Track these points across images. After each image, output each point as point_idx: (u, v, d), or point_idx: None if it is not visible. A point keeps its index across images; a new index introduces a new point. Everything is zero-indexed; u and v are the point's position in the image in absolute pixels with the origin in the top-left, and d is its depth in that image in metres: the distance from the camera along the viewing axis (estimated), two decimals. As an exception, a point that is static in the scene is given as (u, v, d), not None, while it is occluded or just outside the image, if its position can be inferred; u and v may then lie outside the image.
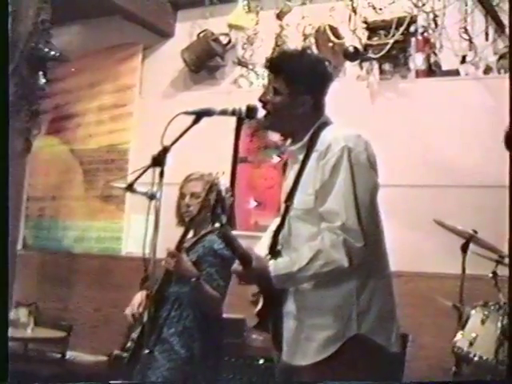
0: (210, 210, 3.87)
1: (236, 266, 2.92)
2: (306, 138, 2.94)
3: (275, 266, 2.81)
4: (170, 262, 3.79)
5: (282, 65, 3.02)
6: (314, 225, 2.83)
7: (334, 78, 3.12)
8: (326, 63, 3.13)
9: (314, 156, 2.88)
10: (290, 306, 2.93)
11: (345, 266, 2.71)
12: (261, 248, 3.06)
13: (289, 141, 3.07)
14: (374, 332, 2.80)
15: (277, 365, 3.05)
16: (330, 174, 2.78)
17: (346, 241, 2.70)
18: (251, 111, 2.99)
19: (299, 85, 2.95)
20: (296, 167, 2.96)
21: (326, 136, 2.90)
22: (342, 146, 2.79)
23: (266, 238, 3.16)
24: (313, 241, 2.79)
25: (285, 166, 3.11)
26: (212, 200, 3.80)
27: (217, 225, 2.85)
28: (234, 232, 2.89)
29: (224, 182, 3.91)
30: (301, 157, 2.94)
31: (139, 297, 3.97)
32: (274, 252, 2.97)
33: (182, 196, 4.09)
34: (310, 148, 2.92)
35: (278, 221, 3.05)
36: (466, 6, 5.76)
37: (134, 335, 3.87)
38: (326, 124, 2.98)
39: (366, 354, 2.81)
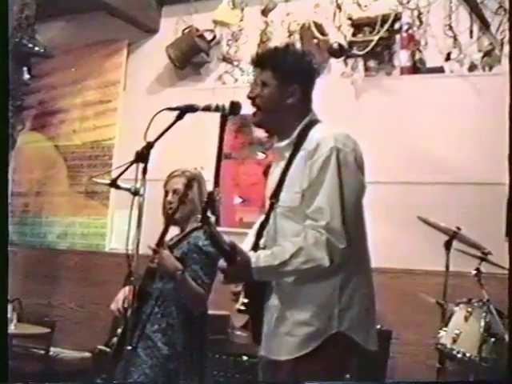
0: (191, 206, 3.91)
1: (221, 263, 2.91)
2: (294, 136, 2.93)
3: (257, 259, 2.79)
4: (153, 259, 3.79)
5: (268, 58, 3.03)
6: (298, 222, 2.84)
7: (321, 72, 3.12)
8: (311, 56, 3.13)
9: (301, 154, 2.88)
10: (273, 301, 2.93)
11: (325, 266, 2.72)
12: (247, 245, 3.07)
13: (275, 138, 3.06)
14: (354, 330, 2.81)
15: (260, 360, 3.05)
16: (317, 173, 2.78)
17: (328, 240, 2.71)
18: (235, 107, 2.98)
19: (286, 75, 2.96)
20: (282, 164, 2.96)
21: (314, 135, 2.90)
22: (331, 147, 2.79)
23: (251, 236, 3.16)
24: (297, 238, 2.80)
25: (267, 170, 3.09)
26: (192, 196, 3.83)
27: (205, 226, 2.84)
28: (218, 228, 2.87)
29: (205, 178, 3.94)
30: (287, 154, 2.94)
31: (124, 292, 3.95)
32: (258, 249, 2.96)
33: (165, 194, 4.08)
34: (297, 146, 2.91)
35: (262, 218, 3.05)
36: (451, 3, 5.77)
37: (119, 331, 3.87)
38: (314, 122, 2.98)
39: (346, 351, 2.83)
